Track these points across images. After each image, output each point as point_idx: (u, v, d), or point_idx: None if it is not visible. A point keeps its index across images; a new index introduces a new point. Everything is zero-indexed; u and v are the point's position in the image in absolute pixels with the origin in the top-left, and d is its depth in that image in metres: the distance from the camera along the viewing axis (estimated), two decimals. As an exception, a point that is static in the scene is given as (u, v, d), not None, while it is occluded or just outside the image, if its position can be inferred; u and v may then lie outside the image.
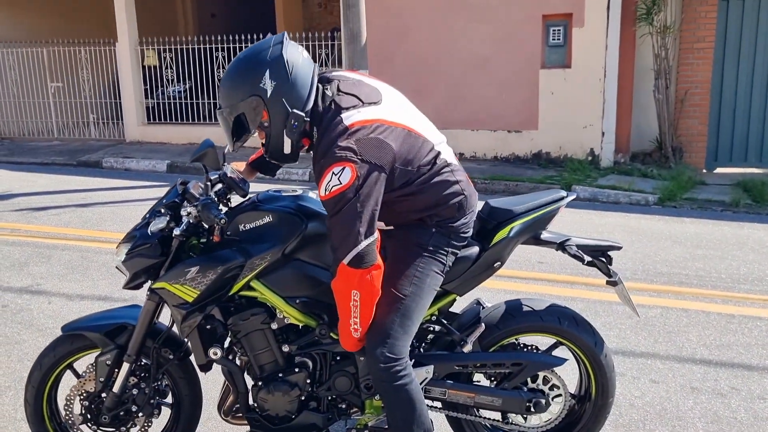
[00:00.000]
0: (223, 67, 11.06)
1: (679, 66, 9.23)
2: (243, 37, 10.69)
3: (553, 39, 9.32)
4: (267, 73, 2.12)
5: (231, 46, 10.83)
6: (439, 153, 2.30)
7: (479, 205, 2.47)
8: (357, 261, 2.09)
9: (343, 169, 2.05)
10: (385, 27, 9.80)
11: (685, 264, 5.38)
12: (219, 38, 10.91)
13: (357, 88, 2.23)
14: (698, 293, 4.73)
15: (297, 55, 2.18)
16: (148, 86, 11.85)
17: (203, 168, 2.36)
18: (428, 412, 2.30)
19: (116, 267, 2.44)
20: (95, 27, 12.57)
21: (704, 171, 9.25)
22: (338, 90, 2.20)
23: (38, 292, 4.73)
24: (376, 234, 2.13)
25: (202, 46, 11.19)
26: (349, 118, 2.12)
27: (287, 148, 2.23)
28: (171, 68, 11.50)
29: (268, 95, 2.13)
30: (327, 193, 2.08)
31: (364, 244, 2.08)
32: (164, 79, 11.69)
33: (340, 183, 2.05)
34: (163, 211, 2.37)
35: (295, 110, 2.15)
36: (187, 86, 11.75)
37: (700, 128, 9.28)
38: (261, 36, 10.64)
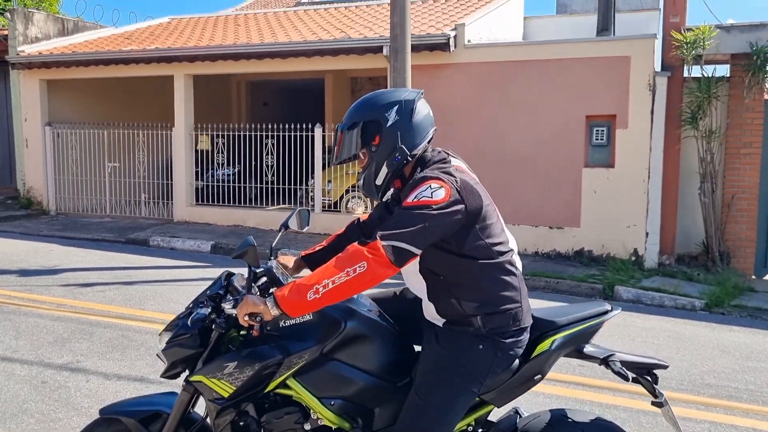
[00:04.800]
0: (272, 154, 11.47)
1: (725, 170, 9.17)
2: (292, 126, 11.10)
3: (597, 139, 9.41)
4: (395, 108, 2.34)
5: (280, 134, 11.25)
6: (511, 250, 2.36)
7: None
8: (391, 249, 2.10)
9: (441, 187, 2.18)
10: (430, 121, 10.03)
11: (734, 376, 5.15)
12: (269, 126, 11.35)
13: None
14: (749, 409, 4.50)
15: (425, 109, 2.41)
16: (198, 168, 12.31)
17: (247, 264, 2.40)
18: None
19: (157, 355, 2.48)
20: (154, 113, 13.21)
21: (753, 277, 9.00)
22: (447, 153, 2.43)
23: (77, 370, 4.78)
24: (419, 253, 2.16)
25: (252, 133, 11.65)
26: (456, 163, 2.36)
27: (380, 179, 2.37)
28: (222, 152, 11.96)
29: (387, 124, 2.33)
30: (415, 200, 2.17)
31: (408, 245, 2.11)
32: (215, 163, 12.14)
33: (431, 197, 2.16)
34: (205, 302, 2.41)
35: (402, 146, 2.32)
36: (236, 170, 12.16)
37: (748, 233, 9.10)
38: (310, 125, 11.04)
